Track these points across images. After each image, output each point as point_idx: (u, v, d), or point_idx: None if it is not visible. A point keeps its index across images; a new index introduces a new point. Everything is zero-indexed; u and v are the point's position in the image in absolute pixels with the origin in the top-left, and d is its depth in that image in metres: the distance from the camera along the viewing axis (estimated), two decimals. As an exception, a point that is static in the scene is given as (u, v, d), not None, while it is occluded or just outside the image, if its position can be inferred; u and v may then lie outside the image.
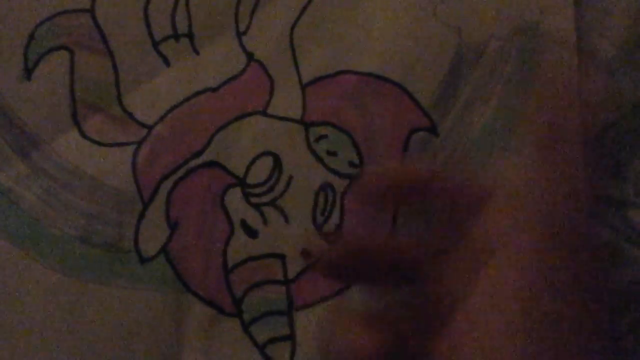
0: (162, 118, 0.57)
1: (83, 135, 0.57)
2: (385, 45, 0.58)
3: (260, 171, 0.57)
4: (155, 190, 0.57)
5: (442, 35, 0.58)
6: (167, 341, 0.56)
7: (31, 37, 0.58)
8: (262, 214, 0.57)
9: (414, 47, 0.58)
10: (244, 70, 0.58)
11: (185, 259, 0.56)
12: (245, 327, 0.56)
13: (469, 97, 0.58)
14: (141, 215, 0.57)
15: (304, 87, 0.58)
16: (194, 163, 0.57)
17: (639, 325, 0.59)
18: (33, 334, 0.56)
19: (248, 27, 0.58)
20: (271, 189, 0.57)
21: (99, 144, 0.57)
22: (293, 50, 0.58)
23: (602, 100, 0.59)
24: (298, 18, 0.58)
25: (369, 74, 0.58)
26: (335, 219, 0.57)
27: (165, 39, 0.58)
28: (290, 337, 0.56)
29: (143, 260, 0.56)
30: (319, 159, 0.57)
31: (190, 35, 0.58)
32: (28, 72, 0.58)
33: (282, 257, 0.57)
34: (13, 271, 0.56)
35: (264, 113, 0.58)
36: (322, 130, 0.57)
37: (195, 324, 0.56)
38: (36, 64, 0.58)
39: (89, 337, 0.56)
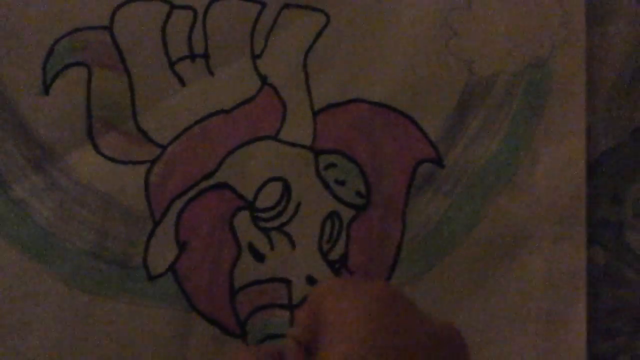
0: (175, 138, 0.58)
1: (97, 151, 0.58)
2: (397, 74, 0.59)
3: (270, 196, 0.58)
4: (167, 210, 0.58)
5: (453, 68, 0.59)
6: (171, 358, 0.57)
7: (50, 51, 0.59)
8: (269, 239, 0.58)
9: (425, 79, 0.59)
10: (257, 94, 0.59)
11: (192, 279, 0.58)
12: (248, 348, 0.58)
13: (476, 130, 0.59)
14: (151, 234, 0.58)
15: (315, 113, 0.59)
16: (205, 184, 0.58)
17: (632, 345, 0.61)
18: (40, 343, 0.58)
19: (263, 51, 0.59)
20: (279, 214, 0.58)
21: (113, 160, 0.58)
22: (306, 75, 0.59)
23: (602, 126, 0.60)
24: (313, 43, 0.59)
25: (380, 104, 0.59)
26: (340, 247, 0.58)
27: (182, 59, 0.59)
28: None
29: (151, 277, 0.58)
30: (327, 187, 0.58)
31: (206, 56, 0.59)
32: (46, 87, 0.58)
33: (287, 281, 0.58)
34: (23, 281, 0.57)
35: (275, 138, 0.59)
36: (332, 159, 0.58)
37: (199, 343, 0.58)
38: (54, 78, 0.59)
39: (95, 350, 0.58)
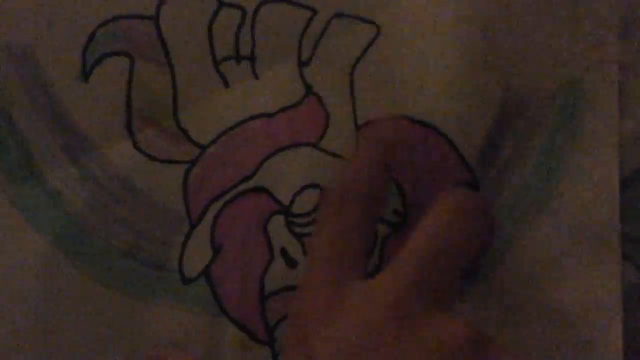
0: (216, 139, 0.58)
1: (136, 146, 0.57)
2: (437, 91, 0.59)
3: (306, 202, 0.59)
4: (204, 212, 0.58)
5: (490, 87, 0.59)
6: (200, 360, 0.58)
7: (91, 37, 0.57)
8: (303, 245, 0.59)
9: (461, 96, 0.59)
10: (301, 102, 0.58)
11: (224, 283, 0.58)
12: (276, 356, 0.58)
13: (511, 152, 0.59)
14: (188, 236, 0.58)
15: (358, 127, 0.59)
16: (242, 187, 0.58)
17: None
18: (64, 341, 0.58)
19: (310, 58, 0.58)
20: (314, 221, 0.58)
21: (151, 157, 0.58)
22: (352, 87, 0.59)
23: (634, 141, 0.61)
24: (361, 55, 0.59)
25: (421, 122, 0.59)
26: (373, 263, 0.59)
27: (227, 59, 0.58)
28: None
29: (185, 281, 0.58)
30: (364, 200, 0.59)
31: (252, 59, 0.58)
32: (85, 73, 0.57)
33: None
34: (54, 275, 0.57)
35: (316, 147, 0.58)
36: (371, 173, 0.59)
37: (228, 349, 0.58)
38: (94, 65, 0.57)
39: (124, 352, 0.57)
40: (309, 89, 0.58)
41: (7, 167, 0.57)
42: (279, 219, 0.59)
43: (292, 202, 0.59)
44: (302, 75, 0.59)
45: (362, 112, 0.59)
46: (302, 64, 0.59)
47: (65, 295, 0.57)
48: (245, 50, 0.58)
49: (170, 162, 0.58)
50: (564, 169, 0.60)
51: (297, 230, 0.59)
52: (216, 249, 0.58)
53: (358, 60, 0.59)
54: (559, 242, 0.60)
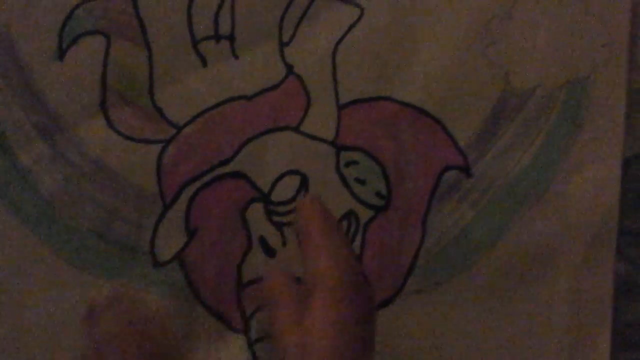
0: (192, 119, 0.56)
1: (110, 125, 0.56)
2: (430, 76, 0.57)
3: (286, 189, 0.56)
4: (178, 194, 0.56)
5: (489, 76, 0.57)
6: (173, 347, 0.55)
7: (69, 16, 0.56)
8: (282, 234, 0.56)
9: (458, 84, 0.57)
10: (281, 83, 0.57)
11: (199, 269, 0.56)
12: (251, 345, 0.56)
13: (508, 142, 0.57)
14: (160, 218, 0.56)
15: (340, 108, 0.57)
16: (220, 171, 0.56)
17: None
18: (34, 319, 0.55)
19: (291, 39, 0.57)
20: (294, 210, 0.56)
21: (125, 137, 0.56)
22: (334, 68, 0.57)
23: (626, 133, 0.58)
24: (343, 36, 0.57)
25: (409, 104, 0.57)
26: (355, 249, 0.56)
27: (206, 38, 0.57)
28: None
29: (157, 264, 0.55)
30: (347, 185, 0.56)
31: (231, 38, 0.57)
32: (61, 52, 0.56)
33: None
34: (23, 253, 0.55)
35: (297, 130, 0.56)
36: (354, 156, 0.56)
37: (201, 336, 0.55)
38: (70, 44, 0.56)
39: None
40: (289, 70, 0.57)
41: (-23, 143, 0.55)
42: (258, 207, 0.56)
43: (271, 189, 0.56)
44: (282, 55, 0.57)
45: (344, 94, 0.57)
46: (283, 44, 0.57)
47: (34, 273, 0.55)
48: (224, 29, 0.57)
49: (145, 141, 0.56)
50: (563, 163, 0.58)
51: (277, 219, 0.56)
52: (191, 233, 0.55)
53: (340, 41, 0.57)
54: (553, 235, 0.57)
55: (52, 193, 0.55)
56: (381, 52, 0.57)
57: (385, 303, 0.57)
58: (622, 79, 0.58)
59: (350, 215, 0.57)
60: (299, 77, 0.57)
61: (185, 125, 0.56)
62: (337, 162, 0.57)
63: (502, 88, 0.57)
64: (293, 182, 0.56)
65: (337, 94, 0.57)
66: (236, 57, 0.57)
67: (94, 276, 0.55)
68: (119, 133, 0.56)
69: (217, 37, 0.57)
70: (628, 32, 0.58)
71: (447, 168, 0.57)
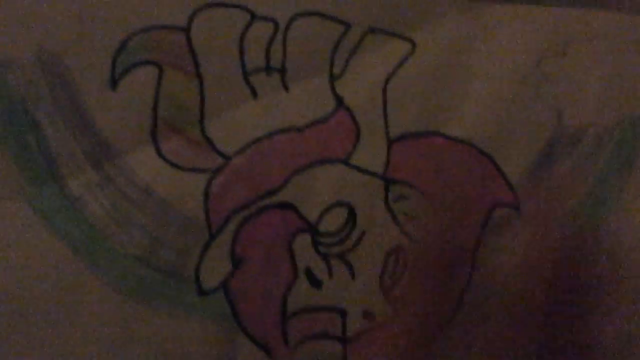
0: (241, 150, 0.56)
1: (159, 154, 0.56)
2: (481, 112, 0.57)
3: (334, 221, 0.56)
4: (225, 223, 0.55)
5: (542, 114, 0.57)
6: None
7: (123, 46, 0.56)
8: (328, 265, 0.55)
9: (510, 120, 0.57)
10: (331, 115, 0.57)
11: (244, 298, 0.55)
12: (294, 378, 0.55)
13: (560, 181, 0.56)
14: (206, 246, 0.55)
15: (390, 141, 0.56)
16: (267, 201, 0.56)
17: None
18: (80, 345, 0.55)
19: (342, 72, 0.57)
20: (342, 241, 0.55)
21: (174, 165, 0.56)
22: (385, 102, 0.57)
23: None
24: (395, 70, 0.57)
25: (459, 140, 0.56)
26: (403, 285, 0.55)
27: (257, 70, 0.57)
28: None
29: (202, 292, 0.55)
30: (395, 220, 0.56)
31: (282, 71, 0.57)
32: (114, 81, 0.56)
33: (343, 312, 0.55)
34: (69, 279, 0.55)
35: (346, 162, 0.56)
36: (403, 190, 0.56)
37: (243, 366, 0.55)
38: (123, 74, 0.56)
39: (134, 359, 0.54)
40: (340, 102, 0.57)
41: (28, 169, 0.56)
42: (305, 237, 0.56)
43: (319, 220, 0.56)
44: (333, 88, 0.57)
45: (394, 128, 0.57)
46: (333, 77, 0.57)
47: (79, 300, 0.55)
48: (276, 62, 0.57)
49: (194, 170, 0.56)
50: (617, 203, 0.57)
51: (323, 250, 0.56)
52: (236, 263, 0.55)
53: (392, 75, 0.57)
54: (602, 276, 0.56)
55: (99, 219, 0.55)
56: (432, 86, 0.57)
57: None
58: None
59: (398, 250, 0.56)
60: (349, 110, 0.57)
61: (235, 155, 0.56)
62: (386, 196, 0.56)
63: (555, 126, 0.56)
64: (341, 214, 0.56)
65: (387, 126, 0.56)
66: (287, 89, 0.57)
67: (137, 302, 0.55)
68: (168, 162, 0.56)
69: (268, 69, 0.57)
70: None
71: (497, 204, 0.56)
